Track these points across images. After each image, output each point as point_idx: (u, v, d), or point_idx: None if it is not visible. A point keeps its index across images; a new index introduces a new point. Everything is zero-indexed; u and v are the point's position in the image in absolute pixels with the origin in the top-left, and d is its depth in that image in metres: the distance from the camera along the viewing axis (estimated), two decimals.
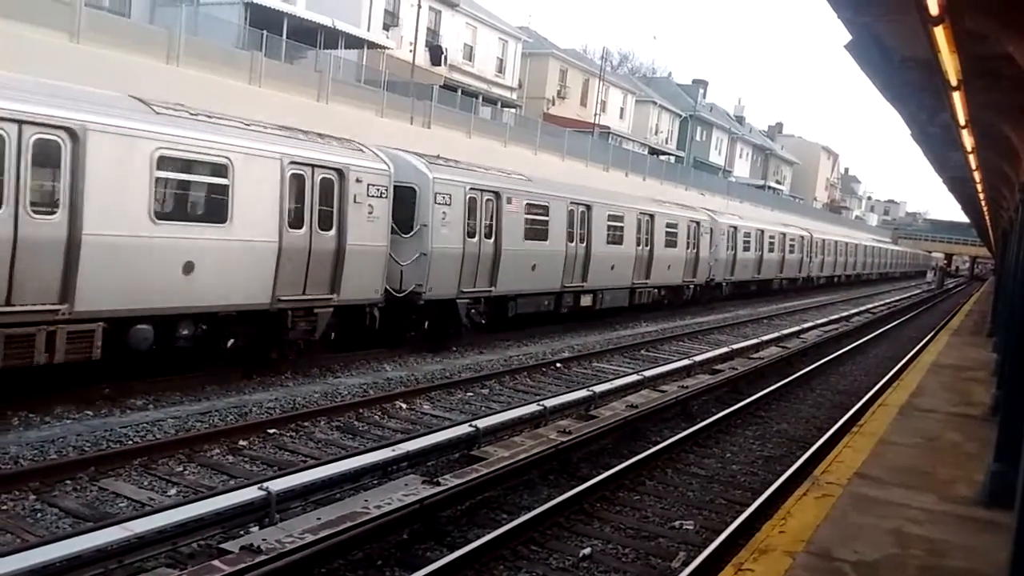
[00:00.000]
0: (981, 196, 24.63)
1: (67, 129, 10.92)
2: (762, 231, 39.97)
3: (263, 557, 6.66)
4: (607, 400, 13.96)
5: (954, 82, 8.45)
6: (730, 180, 68.76)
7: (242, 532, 7.58)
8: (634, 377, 15.84)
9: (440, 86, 35.84)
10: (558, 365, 18.43)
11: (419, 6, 40.85)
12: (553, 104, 55.39)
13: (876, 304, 45.42)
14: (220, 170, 12.79)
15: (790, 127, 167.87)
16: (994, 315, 25.64)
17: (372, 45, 36.59)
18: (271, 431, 11.48)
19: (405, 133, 27.14)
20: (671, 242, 28.91)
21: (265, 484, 7.97)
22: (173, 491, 9.15)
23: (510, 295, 20.29)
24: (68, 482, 9.00)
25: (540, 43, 57.72)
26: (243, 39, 27.03)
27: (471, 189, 18.42)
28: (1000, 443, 8.45)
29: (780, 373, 19.18)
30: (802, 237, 47.17)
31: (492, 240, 19.16)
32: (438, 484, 8.70)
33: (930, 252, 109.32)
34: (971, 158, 15.48)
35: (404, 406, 13.68)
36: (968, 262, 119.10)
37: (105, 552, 6.51)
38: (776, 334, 25.93)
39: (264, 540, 7.01)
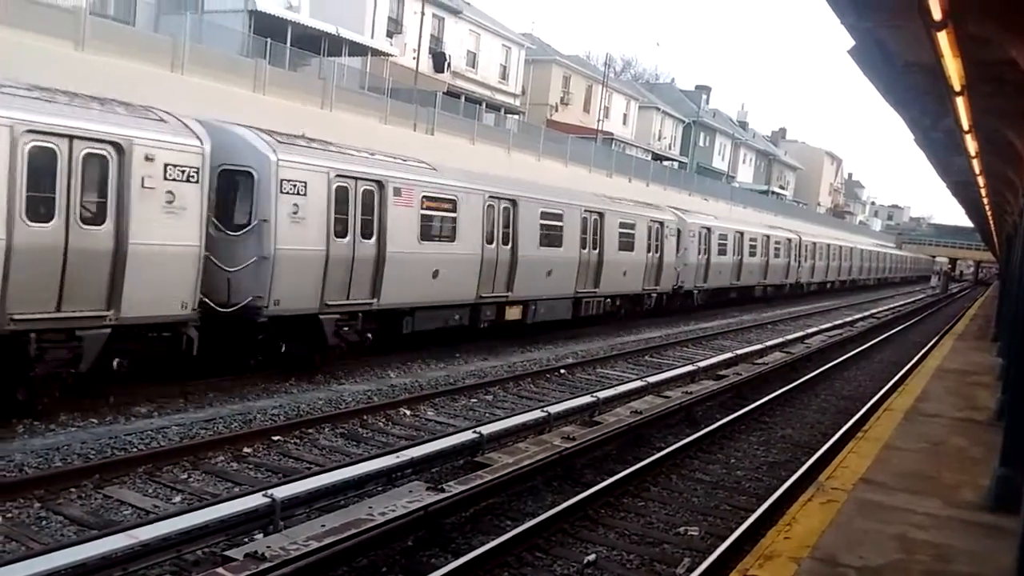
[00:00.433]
0: (985, 201, 24.62)
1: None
2: (741, 233, 36.50)
3: (268, 564, 6.65)
4: (611, 406, 13.94)
5: (957, 87, 8.46)
6: (733, 185, 68.74)
7: (247, 539, 7.58)
8: (638, 383, 15.83)
9: (443, 93, 35.90)
10: (562, 371, 18.42)
11: (422, 13, 40.95)
12: (556, 110, 55.43)
13: (880, 309, 45.32)
14: None
15: (793, 132, 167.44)
16: (999, 319, 25.58)
17: (376, 52, 36.68)
18: (275, 438, 11.48)
19: (409, 140, 27.20)
20: (626, 244, 25.22)
21: (269, 491, 7.97)
22: (178, 498, 9.15)
23: (403, 308, 16.71)
24: (73, 490, 9.00)
25: (543, 50, 57.79)
26: (247, 47, 27.12)
27: (339, 177, 14.83)
28: (1005, 448, 8.43)
29: (784, 378, 19.15)
30: (789, 240, 43.73)
31: (374, 240, 15.55)
32: (442, 491, 8.69)
33: (934, 257, 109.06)
34: (975, 163, 15.49)
35: (408, 412, 13.68)
36: (972, 267, 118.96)
37: (110, 560, 6.52)
38: (780, 339, 25.91)
39: (269, 547, 7.00)
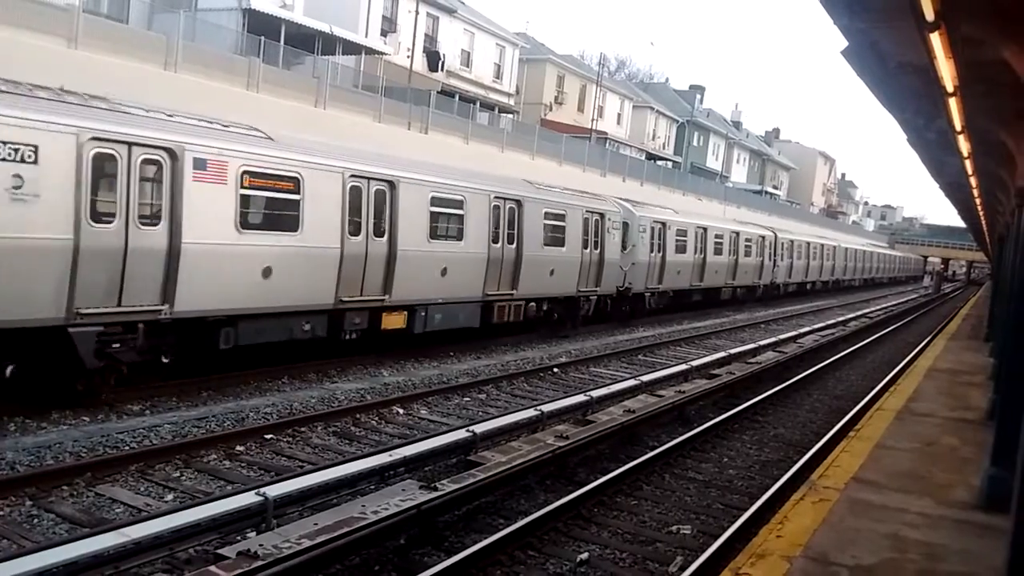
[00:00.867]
0: (978, 201, 24.69)
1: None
2: (704, 229, 32.99)
3: (260, 563, 6.65)
4: (604, 405, 13.96)
5: (950, 88, 8.48)
6: (727, 185, 68.85)
7: (239, 538, 7.56)
8: (631, 382, 15.86)
9: (438, 92, 35.89)
10: (555, 370, 18.43)
11: (417, 12, 40.92)
12: (550, 110, 55.48)
13: (873, 309, 45.45)
14: None
15: (787, 132, 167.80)
16: (991, 319, 25.67)
17: (370, 51, 36.67)
18: (268, 436, 11.47)
19: (403, 138, 27.19)
20: (555, 239, 21.62)
21: (262, 489, 7.96)
22: (170, 496, 9.14)
23: (217, 316, 13.08)
24: (65, 488, 8.98)
25: (537, 49, 57.83)
26: (241, 45, 27.10)
27: (99, 141, 11.23)
28: (997, 447, 8.46)
29: (777, 377, 19.19)
30: (762, 237, 40.01)
31: (164, 228, 12.01)
32: (435, 489, 8.70)
33: (926, 257, 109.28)
34: (967, 163, 15.53)
35: (401, 411, 13.68)
36: (965, 267, 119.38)
37: (102, 558, 6.51)
38: (773, 339, 25.96)
39: (261, 546, 7.00)
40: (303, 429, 12.01)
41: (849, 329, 32.18)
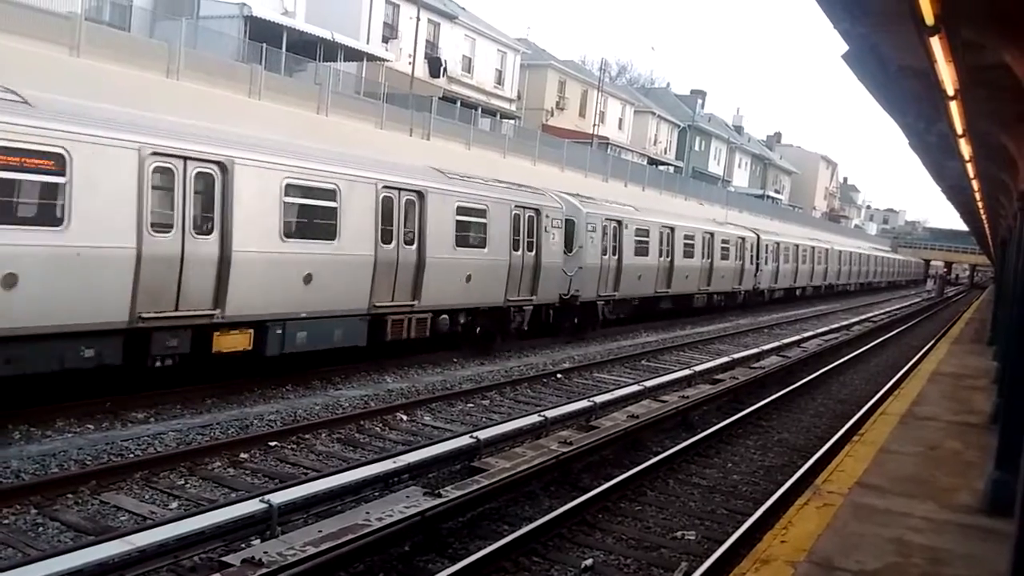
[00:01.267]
0: (980, 205, 24.69)
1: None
2: (671, 229, 29.45)
3: (265, 570, 6.65)
4: (608, 410, 13.96)
5: (951, 92, 8.49)
6: (729, 190, 68.86)
7: (244, 545, 7.58)
8: (635, 387, 15.86)
9: (439, 98, 35.95)
10: (559, 376, 18.43)
11: (418, 19, 41.00)
12: (552, 115, 55.53)
13: (876, 313, 45.41)
14: None
15: (789, 136, 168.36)
16: (994, 323, 25.65)
17: (371, 57, 36.72)
18: (272, 444, 11.48)
19: (404, 145, 27.23)
20: (472, 240, 18.33)
21: (266, 497, 7.98)
22: (174, 504, 9.15)
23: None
24: (69, 496, 8.99)
25: (539, 54, 57.90)
26: (243, 52, 27.14)
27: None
28: (1000, 451, 8.46)
29: (781, 382, 19.18)
30: (742, 239, 36.92)
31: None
32: (439, 496, 8.70)
33: (928, 261, 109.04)
34: (969, 167, 15.53)
35: (405, 417, 13.68)
36: (968, 270, 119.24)
37: (107, 566, 6.52)
38: (776, 343, 25.95)
39: (266, 553, 7.01)
40: (307, 436, 12.02)
41: (853, 333, 32.14)
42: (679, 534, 9.32)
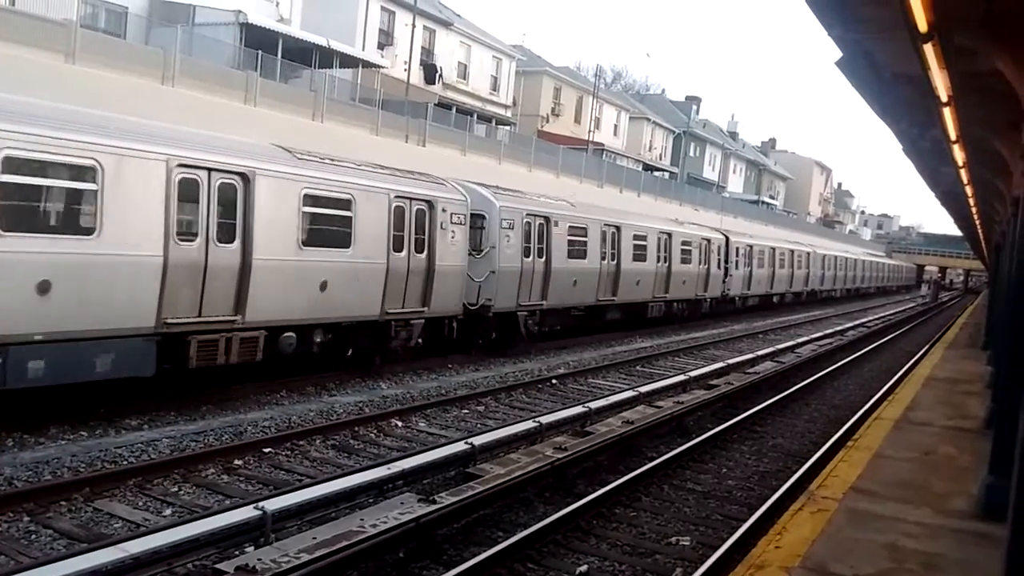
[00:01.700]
0: (974, 210, 24.79)
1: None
2: (617, 228, 25.61)
3: None
4: (603, 416, 13.95)
5: (944, 98, 8.54)
6: (724, 196, 68.98)
7: (238, 552, 7.55)
8: (630, 393, 15.85)
9: (435, 104, 36.00)
10: (554, 382, 18.43)
11: (413, 25, 41.07)
12: (547, 121, 55.62)
13: (871, 318, 45.50)
14: None
15: (783, 142, 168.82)
16: (988, 328, 25.71)
17: (367, 64, 36.77)
18: (266, 450, 11.45)
19: (400, 151, 27.25)
20: (329, 238, 14.80)
21: (260, 503, 7.95)
22: (168, 511, 9.12)
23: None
24: (63, 503, 8.97)
25: (534, 61, 58.02)
26: (238, 59, 27.18)
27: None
28: (994, 456, 8.46)
29: (775, 388, 19.20)
30: (708, 240, 33.45)
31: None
32: (434, 502, 8.69)
33: (923, 266, 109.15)
34: (963, 173, 15.61)
35: (399, 424, 13.67)
36: (962, 275, 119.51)
37: (100, 573, 6.49)
38: (771, 349, 25.96)
39: (260, 560, 6.99)
40: (301, 442, 12.00)
41: (847, 339, 32.20)
42: (674, 540, 9.31)
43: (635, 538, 9.28)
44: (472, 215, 18.94)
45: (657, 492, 10.95)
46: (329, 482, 9.05)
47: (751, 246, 39.13)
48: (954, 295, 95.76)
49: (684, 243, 31.10)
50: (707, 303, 34.38)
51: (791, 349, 26.50)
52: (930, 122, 11.09)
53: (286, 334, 14.20)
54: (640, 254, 27.28)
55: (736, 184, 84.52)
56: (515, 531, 8.77)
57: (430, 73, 43.69)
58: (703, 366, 21.18)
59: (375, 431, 13.12)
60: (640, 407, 14.86)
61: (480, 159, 32.94)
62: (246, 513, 7.77)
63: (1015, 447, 6.01)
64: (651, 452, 12.81)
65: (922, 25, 6.39)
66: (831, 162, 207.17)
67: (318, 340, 15.01)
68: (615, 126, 64.16)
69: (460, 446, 10.81)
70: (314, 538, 7.60)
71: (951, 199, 26.55)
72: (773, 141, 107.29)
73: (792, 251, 46.45)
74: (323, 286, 14.62)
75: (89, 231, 11.20)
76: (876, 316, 47.66)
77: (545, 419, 12.91)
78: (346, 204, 15.07)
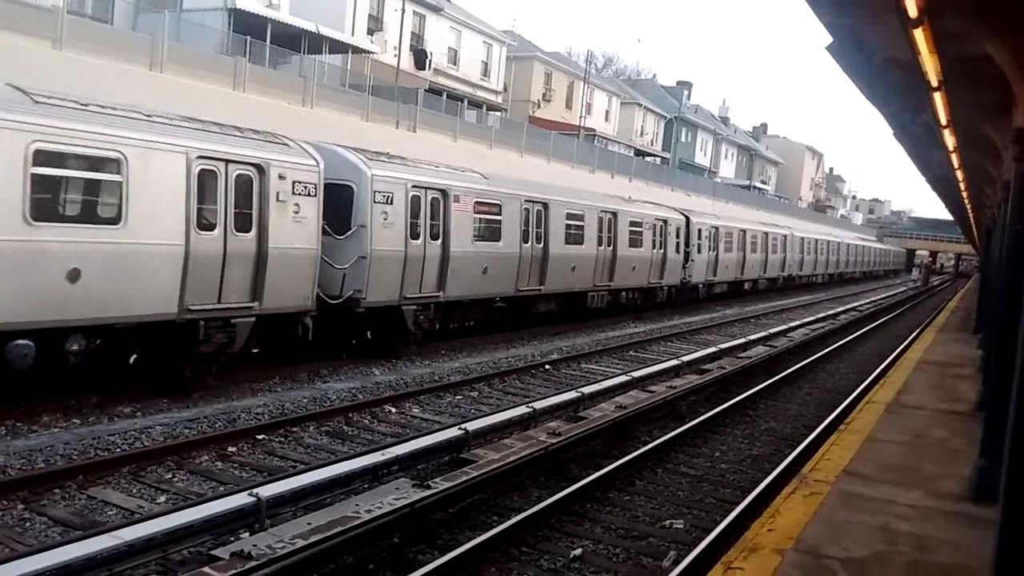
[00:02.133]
0: (964, 194, 24.84)
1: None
2: (544, 205, 22.02)
3: (254, 563, 6.65)
4: (596, 401, 13.99)
5: (935, 83, 8.54)
6: (715, 181, 69.00)
7: (232, 538, 7.56)
8: (623, 378, 15.88)
9: (425, 90, 35.87)
10: (547, 367, 18.46)
11: (403, 11, 40.86)
12: (538, 107, 55.51)
13: (862, 303, 45.65)
14: None
15: (775, 127, 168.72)
16: (979, 311, 25.83)
17: (356, 50, 36.59)
18: (260, 437, 11.46)
19: (390, 137, 27.17)
20: (95, 210, 12.11)
21: (255, 490, 7.96)
22: (162, 498, 9.13)
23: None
24: (56, 491, 8.96)
25: (525, 46, 57.83)
26: (227, 45, 27.01)
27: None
28: (985, 439, 8.52)
29: (768, 372, 19.27)
30: (663, 221, 29.87)
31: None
32: (429, 487, 8.71)
33: (914, 250, 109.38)
34: (954, 157, 15.63)
35: (393, 410, 13.68)
36: (953, 259, 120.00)
37: (95, 561, 6.49)
38: (763, 333, 26.03)
39: (255, 546, 6.99)
40: (295, 429, 12.01)
41: (839, 323, 32.30)
42: (668, 523, 9.37)
43: (629, 521, 9.33)
44: (333, 185, 15.45)
45: (651, 476, 11.00)
46: (323, 468, 9.06)
47: (716, 227, 35.65)
48: (945, 279, 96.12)
49: (634, 224, 27.40)
50: (664, 292, 30.87)
51: (783, 333, 26.56)
52: (921, 107, 11.08)
53: (16, 342, 10.73)
54: (575, 236, 23.81)
55: (728, 169, 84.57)
56: (510, 515, 8.81)
57: (420, 59, 43.51)
58: (695, 351, 21.23)
59: (369, 417, 13.13)
60: (633, 392, 14.90)
61: (471, 145, 32.85)
62: (241, 499, 7.78)
63: (1006, 430, 6.07)
64: (644, 436, 12.86)
65: (912, 10, 6.39)
66: (822, 147, 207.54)
67: (74, 348, 11.46)
68: (606, 111, 64.09)
69: (454, 431, 10.83)
70: (309, 524, 7.62)
71: (942, 183, 26.58)
72: (764, 126, 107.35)
73: (766, 233, 43.16)
74: (73, 276, 11.09)
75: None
76: (868, 300, 47.81)
77: (539, 404, 12.94)
78: (113, 165, 11.63)
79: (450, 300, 18.67)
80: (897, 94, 11.25)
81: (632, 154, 56.78)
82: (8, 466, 9.50)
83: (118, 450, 10.39)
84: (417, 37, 44.13)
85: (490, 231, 20.09)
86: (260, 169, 13.75)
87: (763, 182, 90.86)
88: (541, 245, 22.02)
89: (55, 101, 11.43)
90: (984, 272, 30.98)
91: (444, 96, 37.20)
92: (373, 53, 37.68)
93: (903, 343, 25.67)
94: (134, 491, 9.29)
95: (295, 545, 7.07)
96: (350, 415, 13.01)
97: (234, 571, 6.50)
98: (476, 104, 44.11)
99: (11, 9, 18.64)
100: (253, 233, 13.67)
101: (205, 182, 12.88)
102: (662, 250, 29.78)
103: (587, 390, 14.34)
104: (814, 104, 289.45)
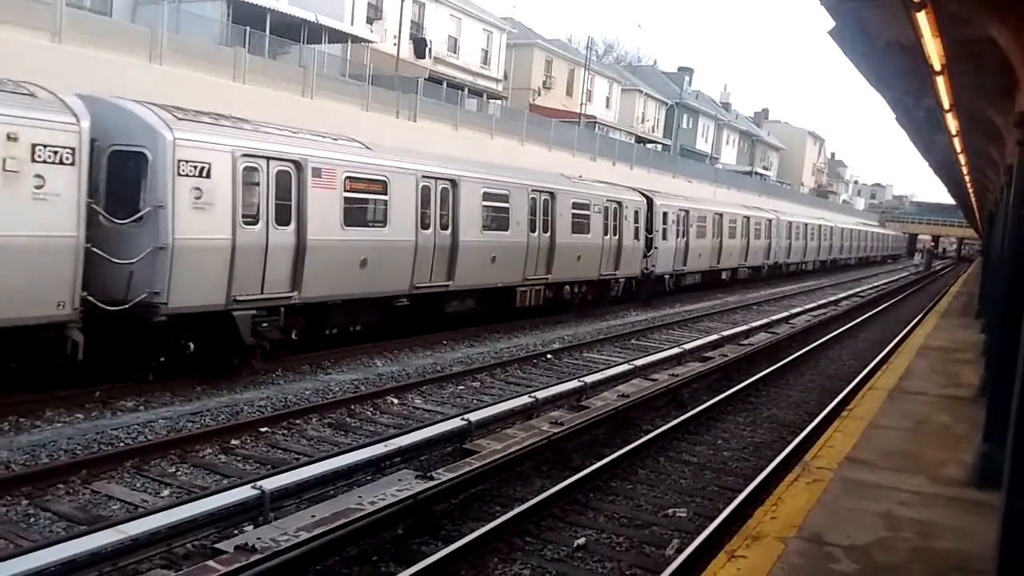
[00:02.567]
0: (967, 178, 24.76)
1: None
2: (451, 182, 18.18)
3: (258, 556, 6.66)
4: (598, 390, 13.99)
5: (938, 67, 8.48)
6: (717, 167, 68.84)
7: (236, 532, 7.58)
8: (625, 367, 15.88)
9: (425, 79, 35.75)
10: (549, 356, 18.45)
11: None
12: (539, 95, 55.31)
13: (864, 288, 45.61)
14: None
15: (776, 113, 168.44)
16: (981, 296, 25.79)
17: (356, 39, 36.46)
18: (263, 429, 11.47)
19: (391, 127, 27.11)
20: None
21: (258, 483, 7.97)
22: (166, 492, 9.14)
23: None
24: (60, 486, 8.98)
25: (525, 34, 57.60)
26: (226, 36, 26.93)
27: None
28: (988, 424, 8.51)
29: (770, 359, 19.26)
30: (618, 204, 25.81)
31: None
32: (431, 478, 8.72)
33: (916, 235, 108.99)
34: (956, 141, 15.56)
35: (395, 401, 13.68)
36: (955, 243, 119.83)
37: (99, 555, 6.50)
38: (765, 320, 26.00)
39: (259, 539, 7.01)
40: (298, 421, 12.02)
41: (841, 309, 32.27)
42: (670, 511, 9.37)
43: (632, 510, 9.34)
44: (118, 153, 12.26)
45: (653, 465, 11.01)
46: (326, 460, 9.06)
47: (687, 211, 31.77)
48: (947, 263, 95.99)
49: (579, 206, 23.57)
50: (619, 285, 27.15)
51: (785, 320, 26.54)
52: (924, 91, 11.02)
53: None
54: (497, 220, 19.99)
55: (729, 155, 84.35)
56: (513, 506, 8.82)
57: (420, 47, 43.33)
58: (697, 338, 21.21)
59: (371, 409, 13.14)
60: (635, 380, 14.90)
61: (472, 134, 32.76)
62: (244, 493, 7.79)
63: (1009, 415, 6.05)
64: (647, 425, 12.86)
65: None
66: (824, 132, 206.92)
67: None
68: (607, 98, 63.88)
69: (456, 422, 10.83)
70: (313, 516, 7.62)
71: (944, 168, 26.49)
72: (766, 111, 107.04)
73: (747, 217, 39.08)
74: None
75: None
76: (870, 286, 47.74)
77: (541, 394, 12.94)
78: None
79: (311, 302, 14.88)
80: (900, 78, 11.18)
81: (633, 141, 56.63)
82: (12, 462, 9.51)
83: (121, 444, 10.40)
84: (417, 25, 43.95)
85: (371, 215, 16.33)
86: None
87: (765, 168, 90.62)
88: (449, 232, 18.19)
89: None
90: (986, 256, 30.91)
91: (444, 85, 37.10)
92: (372, 42, 37.53)
93: (905, 328, 25.66)
94: (138, 485, 9.30)
95: (299, 538, 7.08)
96: (352, 407, 13.01)
97: (238, 564, 6.51)
98: (477, 92, 43.97)
99: (8, 2, 18.56)
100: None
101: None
102: (616, 236, 25.78)
103: (589, 379, 14.35)
104: (816, 89, 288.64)
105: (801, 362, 19.65)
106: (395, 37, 39.85)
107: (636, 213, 27.32)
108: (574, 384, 13.94)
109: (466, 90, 40.69)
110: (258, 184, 13.76)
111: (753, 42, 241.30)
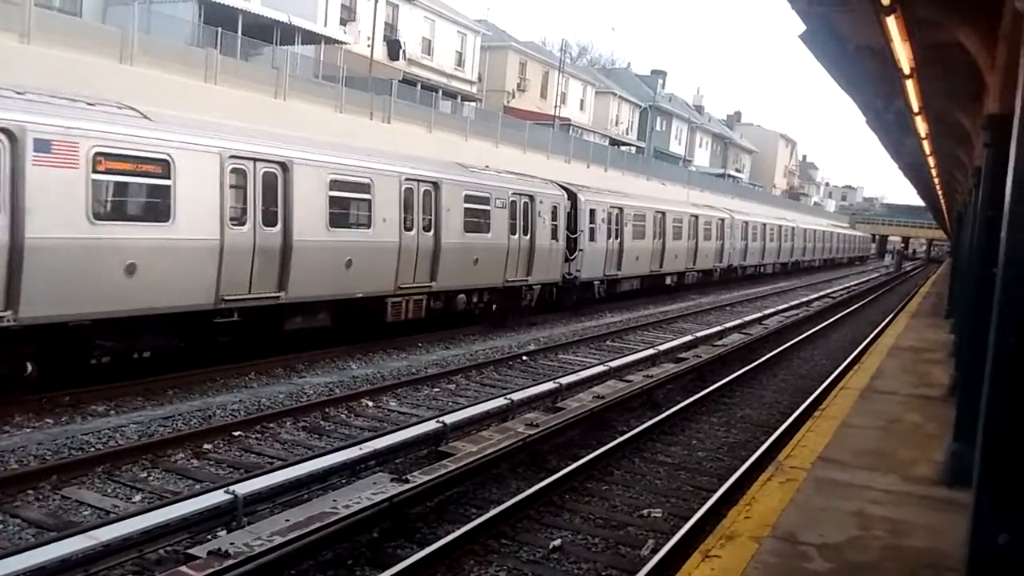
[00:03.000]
0: (936, 180, 25.09)
1: (281, 163, 14.45)
2: (282, 165, 14.39)
3: (232, 561, 6.60)
4: (574, 392, 14.01)
5: (907, 70, 8.60)
6: (690, 169, 69.22)
7: (210, 537, 7.50)
8: (600, 368, 15.91)
9: (399, 80, 35.67)
10: (524, 358, 18.46)
11: (376, 0, 40.57)
12: (513, 97, 55.37)
13: (836, 289, 46.03)
14: None
15: (748, 116, 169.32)
16: (951, 296, 26.10)
17: (329, 40, 36.33)
18: (236, 433, 11.37)
19: (365, 129, 27.00)
20: None
21: (231, 487, 7.90)
22: (138, 497, 9.03)
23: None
24: (30, 492, 8.84)
25: (499, 36, 57.64)
26: (198, 37, 26.71)
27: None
28: (958, 423, 8.61)
29: (743, 359, 19.38)
30: (529, 198, 22.24)
31: (280, 228, 14.62)
32: (407, 481, 8.68)
33: (887, 236, 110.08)
34: (925, 144, 15.77)
35: (370, 404, 13.63)
36: (925, 244, 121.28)
37: (70, 562, 6.42)
38: (739, 321, 26.16)
39: (232, 544, 6.94)
40: (271, 425, 11.93)
41: (813, 310, 32.54)
42: (646, 512, 9.40)
43: (607, 511, 9.36)
44: None
45: (628, 465, 11.04)
46: (301, 464, 9.00)
47: (620, 208, 28.05)
48: (917, 264, 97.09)
49: (474, 199, 19.95)
50: (533, 293, 23.27)
51: (758, 321, 26.72)
52: (893, 94, 11.16)
53: None
54: (353, 216, 16.50)
55: (703, 158, 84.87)
56: (488, 508, 8.80)
57: (394, 49, 43.24)
58: (672, 339, 21.31)
59: (346, 412, 13.07)
60: (611, 381, 14.93)
61: (446, 136, 32.73)
62: (217, 497, 7.72)
63: (978, 414, 6.12)
64: (622, 426, 12.89)
65: None
66: (796, 135, 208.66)
67: None
68: (581, 101, 64.05)
69: (432, 425, 10.81)
70: (287, 520, 7.57)
71: (914, 170, 26.82)
72: (738, 114, 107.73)
73: (695, 216, 35.79)
74: None
75: None
76: (841, 287, 48.18)
77: (516, 396, 12.94)
78: None
79: (43, 323, 11.16)
80: (870, 81, 11.33)
81: (607, 143, 56.80)
82: None
83: (92, 449, 10.27)
84: (390, 27, 43.85)
85: (144, 207, 12.54)
86: None
87: (737, 170, 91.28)
88: (278, 229, 14.44)
89: None
90: (955, 257, 31.30)
91: (418, 87, 37.02)
92: (346, 44, 37.40)
93: (876, 329, 25.91)
94: (109, 491, 9.19)
95: (273, 542, 7.02)
96: (327, 410, 12.94)
97: (212, 570, 6.45)
98: (451, 94, 43.92)
99: None
100: None
101: None
102: (528, 237, 22.14)
103: (565, 380, 14.36)
104: (787, 92, 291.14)
105: (774, 362, 19.79)
106: (369, 39, 39.73)
107: (554, 209, 23.59)
108: (549, 386, 13.95)
109: (440, 92, 40.61)
110: None
111: (726, 45, 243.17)
